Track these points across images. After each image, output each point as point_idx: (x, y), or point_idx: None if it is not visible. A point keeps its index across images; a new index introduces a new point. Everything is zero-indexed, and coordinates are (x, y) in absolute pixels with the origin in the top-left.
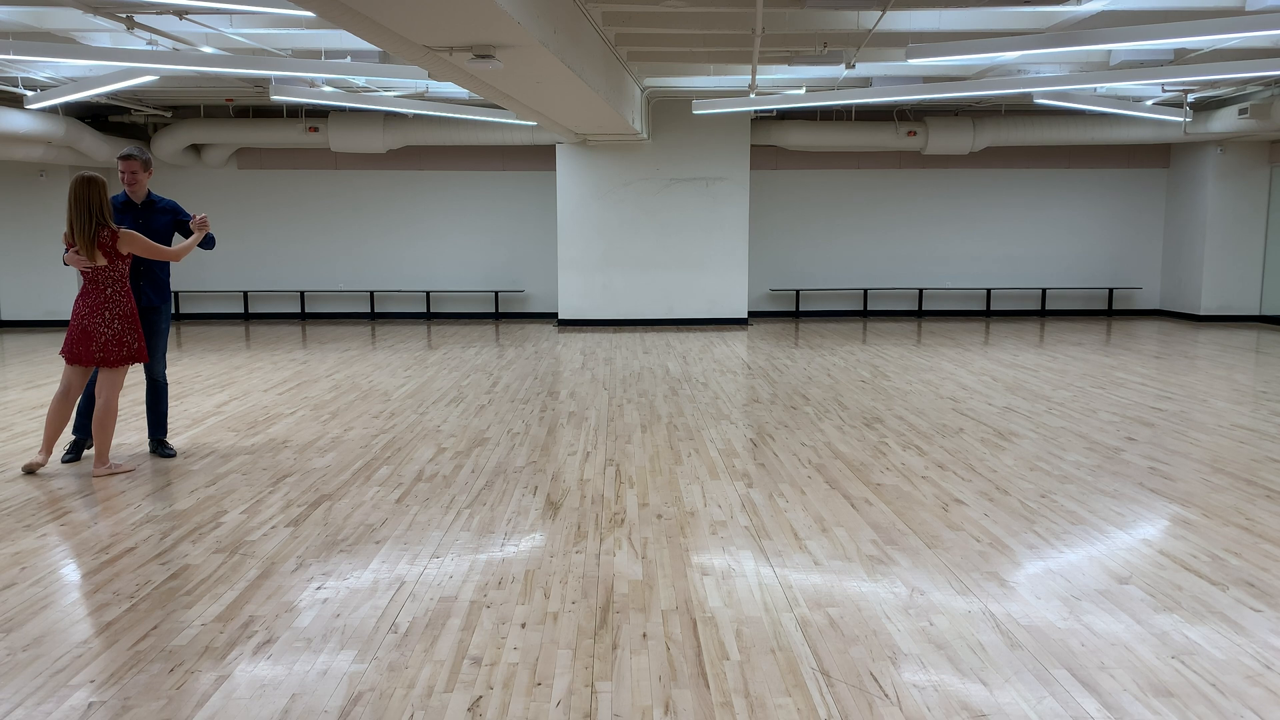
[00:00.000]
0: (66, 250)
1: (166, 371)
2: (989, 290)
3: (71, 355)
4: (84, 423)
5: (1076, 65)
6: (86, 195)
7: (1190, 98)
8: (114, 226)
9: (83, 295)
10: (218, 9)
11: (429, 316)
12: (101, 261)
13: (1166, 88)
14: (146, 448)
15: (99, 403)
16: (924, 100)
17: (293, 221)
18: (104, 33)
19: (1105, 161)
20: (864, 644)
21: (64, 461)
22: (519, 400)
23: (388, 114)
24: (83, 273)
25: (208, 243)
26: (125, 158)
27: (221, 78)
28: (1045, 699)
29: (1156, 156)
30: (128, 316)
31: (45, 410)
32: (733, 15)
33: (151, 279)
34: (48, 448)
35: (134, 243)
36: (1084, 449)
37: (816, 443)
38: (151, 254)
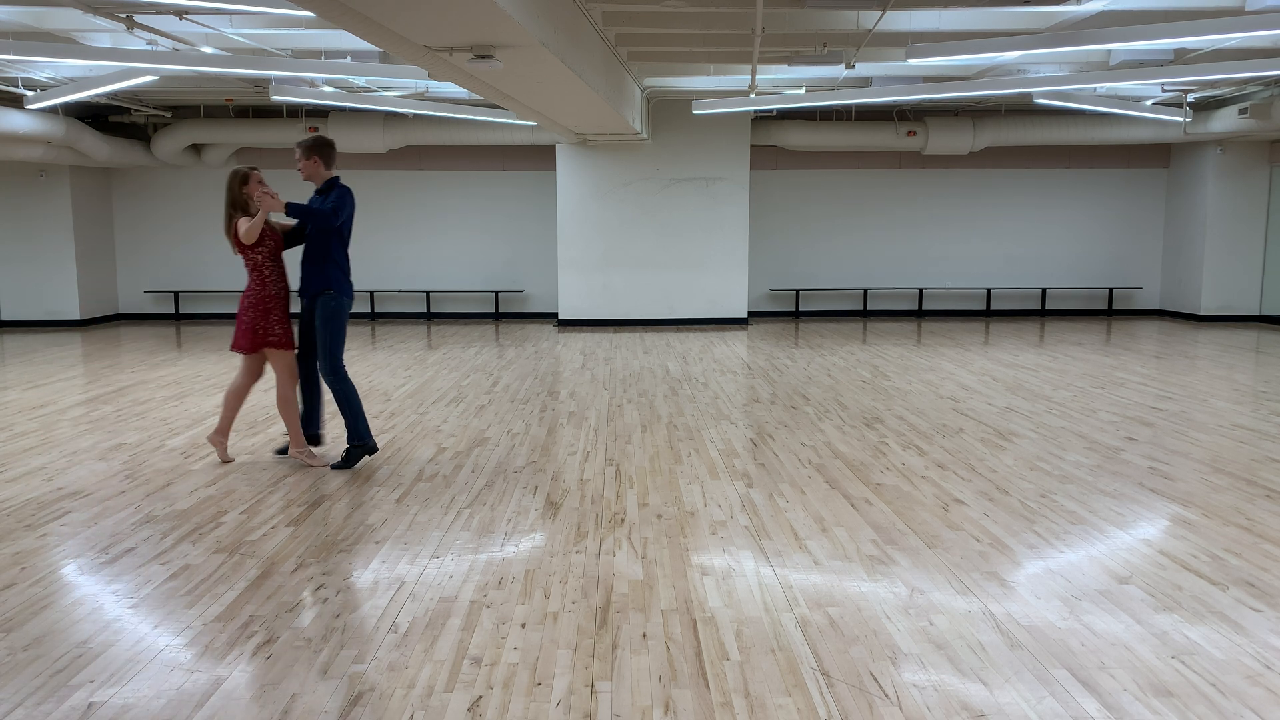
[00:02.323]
0: None
1: (322, 366)
2: (989, 290)
3: (233, 341)
4: (311, 420)
5: (1076, 65)
6: (227, 187)
7: (1190, 98)
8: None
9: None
10: (218, 9)
11: (429, 316)
12: (236, 251)
13: (1166, 88)
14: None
15: (276, 390)
16: (924, 100)
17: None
18: (104, 33)
19: (1105, 161)
20: (864, 644)
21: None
22: (519, 400)
23: (388, 114)
24: None
25: (297, 214)
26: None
27: (221, 78)
28: (1045, 699)
29: (1156, 156)
30: (258, 305)
31: (44, 411)
32: (733, 15)
33: (334, 263)
34: (224, 432)
35: (243, 227)
36: (1084, 449)
37: (816, 443)
38: (244, 237)
